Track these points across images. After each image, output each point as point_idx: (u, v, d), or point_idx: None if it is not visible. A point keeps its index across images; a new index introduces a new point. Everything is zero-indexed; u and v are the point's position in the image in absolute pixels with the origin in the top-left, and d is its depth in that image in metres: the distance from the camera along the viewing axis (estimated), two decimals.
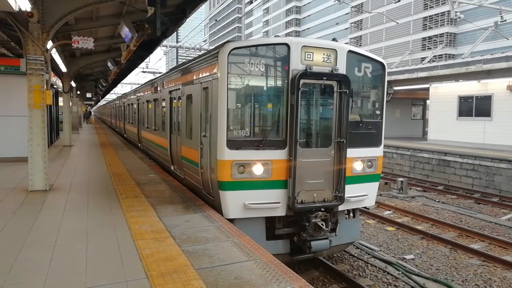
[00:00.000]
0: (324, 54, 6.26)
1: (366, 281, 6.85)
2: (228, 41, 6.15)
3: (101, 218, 5.77)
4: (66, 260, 4.17)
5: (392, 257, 8.15)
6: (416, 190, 15.65)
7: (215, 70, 6.15)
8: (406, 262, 7.92)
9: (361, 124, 6.69)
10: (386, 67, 7.02)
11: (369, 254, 8.19)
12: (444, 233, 9.74)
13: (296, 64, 6.07)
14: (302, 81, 6.01)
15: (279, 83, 6.21)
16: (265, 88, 6.27)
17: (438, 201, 13.67)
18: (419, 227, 10.09)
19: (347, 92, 6.26)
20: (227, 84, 5.83)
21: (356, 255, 8.07)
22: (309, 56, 6.15)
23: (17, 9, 6.20)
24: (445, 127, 20.86)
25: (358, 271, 7.34)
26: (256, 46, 6.01)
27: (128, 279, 3.71)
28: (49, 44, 8.06)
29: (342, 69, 6.36)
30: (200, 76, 7.09)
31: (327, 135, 6.49)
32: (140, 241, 4.74)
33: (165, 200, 6.95)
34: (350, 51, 6.50)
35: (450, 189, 15.65)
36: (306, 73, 6.02)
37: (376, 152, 7.01)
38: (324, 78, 6.18)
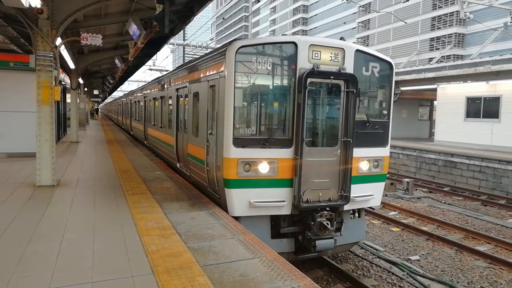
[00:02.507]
0: (331, 53, 6.24)
1: (370, 281, 6.83)
2: (235, 39, 6.15)
3: (108, 214, 5.82)
4: (73, 255, 4.21)
5: (397, 257, 8.12)
6: (422, 191, 15.57)
7: (222, 68, 6.16)
8: (411, 263, 7.89)
9: (368, 124, 6.66)
10: (394, 66, 6.98)
11: (374, 255, 8.17)
12: (450, 235, 9.68)
13: (304, 63, 6.05)
14: (309, 80, 5.99)
15: (286, 81, 6.20)
16: (271, 87, 6.25)
17: (444, 203, 13.58)
18: (424, 228, 10.03)
19: (354, 92, 6.23)
20: (234, 82, 5.84)
21: (360, 255, 8.05)
22: (316, 55, 6.14)
23: (27, 6, 6.24)
24: (452, 128, 20.69)
25: (363, 271, 7.33)
26: (264, 44, 6.01)
27: (134, 274, 3.75)
28: (58, 40, 8.13)
29: (349, 68, 6.34)
30: (207, 74, 7.10)
31: (333, 134, 6.46)
32: (146, 237, 4.78)
33: (171, 197, 6.98)
34: (357, 50, 6.47)
35: (457, 191, 15.53)
36: (313, 72, 6.00)
37: (383, 152, 6.98)
38: (331, 77, 6.15)
